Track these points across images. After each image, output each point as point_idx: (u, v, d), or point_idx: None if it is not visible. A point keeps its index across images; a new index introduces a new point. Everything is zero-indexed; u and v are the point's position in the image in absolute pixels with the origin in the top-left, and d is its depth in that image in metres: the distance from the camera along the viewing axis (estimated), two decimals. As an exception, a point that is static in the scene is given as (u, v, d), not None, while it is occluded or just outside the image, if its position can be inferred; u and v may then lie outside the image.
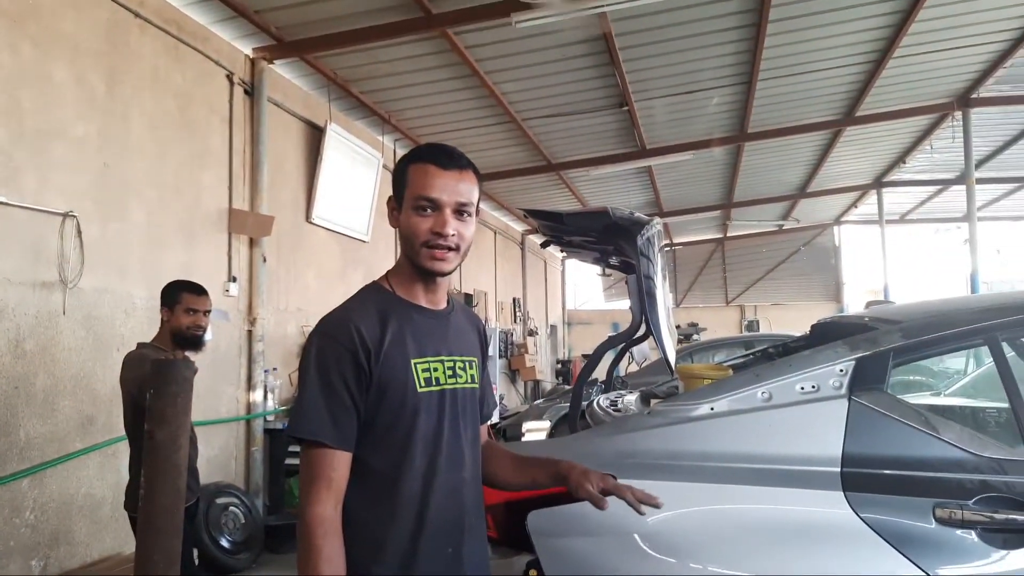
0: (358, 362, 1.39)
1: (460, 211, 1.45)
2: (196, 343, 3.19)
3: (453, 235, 1.43)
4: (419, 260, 1.46)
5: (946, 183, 13.49)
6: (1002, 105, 9.26)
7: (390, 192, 1.54)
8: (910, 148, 11.39)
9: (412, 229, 1.44)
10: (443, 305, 1.57)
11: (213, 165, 5.43)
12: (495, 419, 4.16)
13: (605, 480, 1.49)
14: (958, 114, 9.34)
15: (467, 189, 1.46)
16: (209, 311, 3.26)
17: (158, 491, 1.95)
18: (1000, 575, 1.73)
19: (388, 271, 1.57)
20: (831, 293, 19.39)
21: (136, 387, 2.84)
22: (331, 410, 1.37)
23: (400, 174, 1.50)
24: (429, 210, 1.43)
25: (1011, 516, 1.74)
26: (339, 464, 1.37)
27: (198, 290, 3.20)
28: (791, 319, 17.65)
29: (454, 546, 1.45)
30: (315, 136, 6.83)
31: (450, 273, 1.50)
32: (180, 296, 3.14)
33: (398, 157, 8.28)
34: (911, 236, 18.09)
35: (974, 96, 9.02)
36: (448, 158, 1.46)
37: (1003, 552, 1.73)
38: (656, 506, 1.47)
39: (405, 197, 1.47)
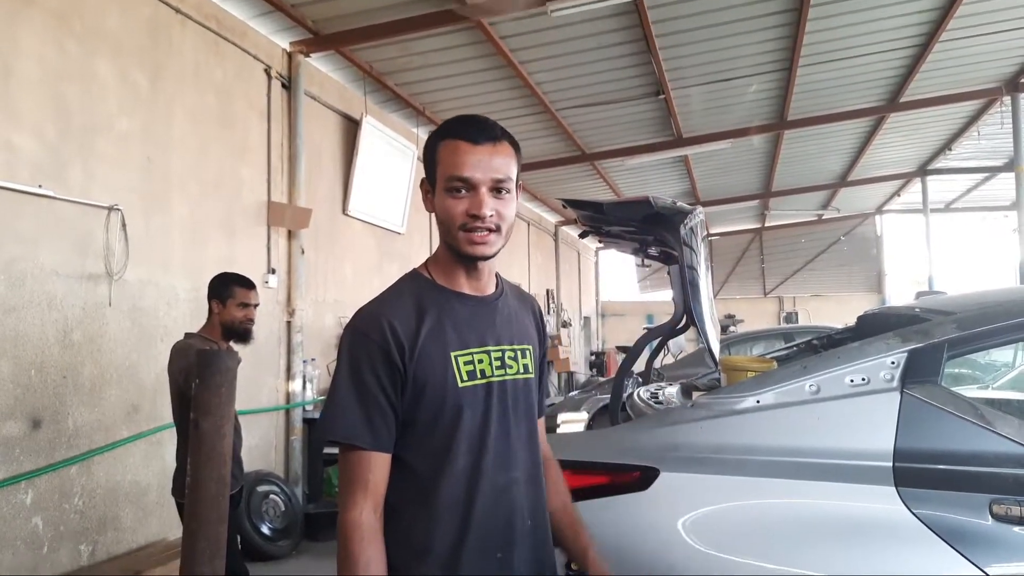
0: (391, 360, 1.31)
1: (498, 188, 1.33)
2: (246, 336, 3.24)
3: (491, 215, 1.32)
4: (457, 245, 1.35)
5: (994, 171, 13.10)
6: (1053, 89, 8.95)
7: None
8: (956, 135, 11.07)
9: (447, 213, 1.34)
10: (490, 290, 1.46)
11: (252, 159, 5.50)
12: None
13: None
14: (1007, 99, 9.04)
15: (503, 163, 1.34)
16: (258, 304, 3.31)
17: (203, 479, 1.98)
18: (1061, 574, 1.67)
19: (428, 258, 1.46)
20: (872, 284, 18.99)
21: (183, 377, 2.90)
22: (365, 411, 1.30)
23: (430, 153, 1.39)
24: (463, 191, 1.32)
25: (1073, 513, 1.68)
26: (376, 467, 1.30)
27: (249, 284, 3.25)
28: (831, 310, 17.38)
29: (504, 551, 1.35)
30: (351, 129, 6.88)
31: (492, 256, 1.38)
32: (233, 290, 3.18)
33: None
34: (956, 225, 17.61)
35: (1023, 80, 8.72)
36: (480, 131, 1.33)
37: (1064, 551, 1.67)
38: None
39: (437, 178, 1.36)
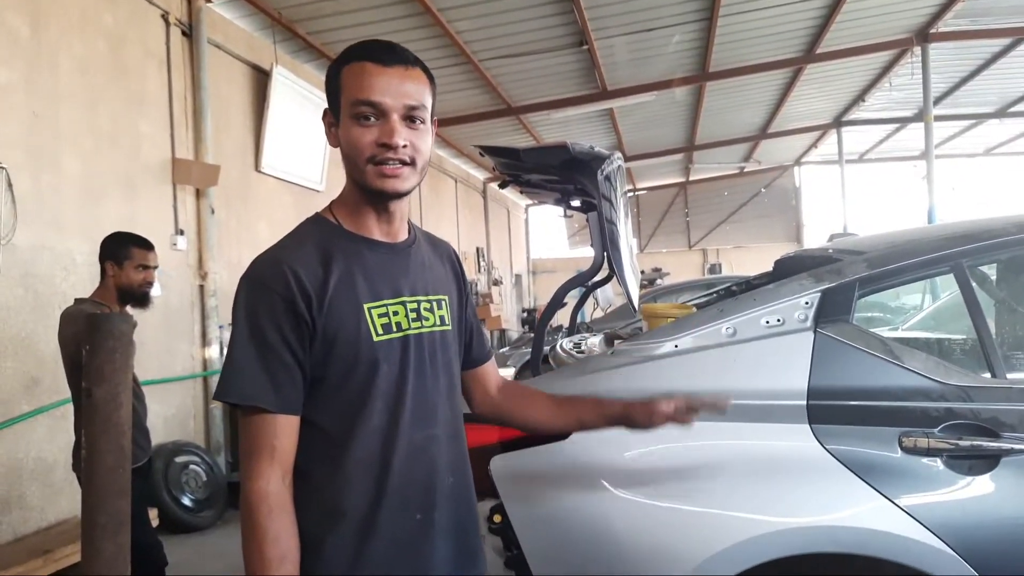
0: (296, 312, 1.17)
1: (411, 117, 1.20)
2: (145, 300, 3.03)
3: (405, 146, 1.19)
4: (366, 180, 1.22)
5: (905, 121, 13.59)
6: (960, 40, 9.25)
7: None
8: (870, 86, 11.39)
9: (354, 143, 1.20)
10: (402, 236, 1.33)
11: (152, 112, 5.15)
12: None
13: (673, 403, 1.44)
14: (917, 50, 9.32)
15: (416, 89, 1.21)
16: (157, 266, 3.10)
17: (100, 451, 1.83)
18: (965, 500, 1.72)
19: (333, 200, 1.32)
20: (792, 234, 19.65)
21: (75, 344, 2.70)
22: (269, 370, 1.17)
23: (333, 80, 1.24)
24: (372, 118, 1.18)
25: (976, 442, 1.73)
26: (283, 431, 1.18)
27: (147, 244, 3.03)
28: (752, 260, 17.86)
29: (423, 512, 1.26)
30: (261, 80, 6.53)
31: (407, 193, 1.26)
32: (130, 251, 2.95)
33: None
34: (870, 174, 18.30)
35: (933, 31, 8.98)
36: (390, 53, 1.20)
37: (968, 478, 1.72)
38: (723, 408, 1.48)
39: (342, 105, 1.22)
